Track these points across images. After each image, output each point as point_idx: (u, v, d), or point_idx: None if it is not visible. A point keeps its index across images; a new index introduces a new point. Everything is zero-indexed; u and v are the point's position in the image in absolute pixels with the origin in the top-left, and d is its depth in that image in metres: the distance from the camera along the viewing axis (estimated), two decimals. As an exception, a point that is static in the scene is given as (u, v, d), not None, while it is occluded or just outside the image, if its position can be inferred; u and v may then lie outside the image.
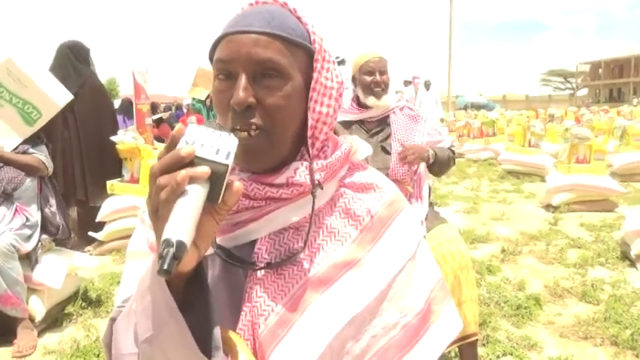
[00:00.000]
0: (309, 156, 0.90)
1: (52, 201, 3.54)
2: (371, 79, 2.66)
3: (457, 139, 15.12)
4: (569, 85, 73.94)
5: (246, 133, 0.84)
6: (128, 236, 5.50)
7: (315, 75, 0.89)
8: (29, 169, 3.41)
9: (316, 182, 0.89)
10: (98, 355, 3.06)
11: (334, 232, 0.92)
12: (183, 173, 0.65)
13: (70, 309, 3.74)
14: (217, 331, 0.75)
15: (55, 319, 3.60)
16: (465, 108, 28.36)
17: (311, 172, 0.88)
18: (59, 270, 3.48)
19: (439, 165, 2.74)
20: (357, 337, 0.89)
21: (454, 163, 2.91)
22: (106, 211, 5.27)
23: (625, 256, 4.76)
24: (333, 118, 0.92)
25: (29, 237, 3.32)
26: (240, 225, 0.90)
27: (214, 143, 0.69)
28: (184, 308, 0.72)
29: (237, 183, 0.72)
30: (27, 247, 3.28)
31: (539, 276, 4.38)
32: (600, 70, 65.57)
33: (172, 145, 0.70)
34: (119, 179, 5.48)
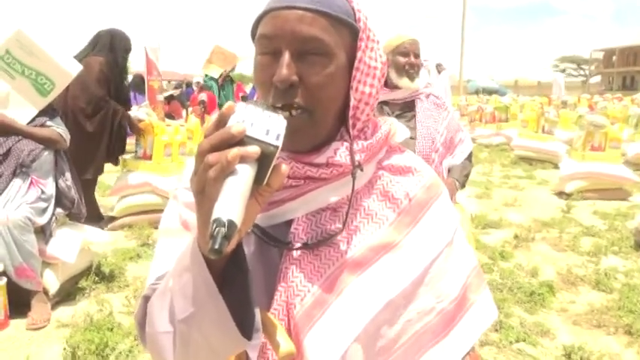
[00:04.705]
0: (350, 136, 0.88)
1: (67, 174, 3.51)
2: (405, 61, 2.65)
3: (469, 123, 15.02)
4: (581, 72, 73.02)
5: (288, 112, 0.81)
6: (140, 212, 5.47)
7: (359, 54, 0.86)
8: (48, 142, 3.38)
9: (356, 163, 0.86)
10: (111, 330, 3.07)
11: (372, 215, 0.90)
12: (234, 151, 0.63)
13: (83, 283, 3.75)
14: (257, 313, 0.74)
15: (69, 293, 3.62)
16: (477, 93, 28.09)
17: (351, 153, 0.86)
18: (73, 244, 3.49)
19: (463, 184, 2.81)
20: (393, 321, 0.87)
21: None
22: (118, 186, 5.27)
23: (639, 246, 4.72)
24: (375, 98, 0.90)
25: (44, 210, 3.31)
26: (278, 203, 0.88)
27: (264, 123, 0.66)
28: (223, 289, 0.71)
29: (284, 166, 0.70)
30: (41, 220, 3.28)
31: (552, 263, 4.35)
32: (614, 58, 64.53)
33: (221, 122, 0.67)
34: (132, 155, 5.47)
